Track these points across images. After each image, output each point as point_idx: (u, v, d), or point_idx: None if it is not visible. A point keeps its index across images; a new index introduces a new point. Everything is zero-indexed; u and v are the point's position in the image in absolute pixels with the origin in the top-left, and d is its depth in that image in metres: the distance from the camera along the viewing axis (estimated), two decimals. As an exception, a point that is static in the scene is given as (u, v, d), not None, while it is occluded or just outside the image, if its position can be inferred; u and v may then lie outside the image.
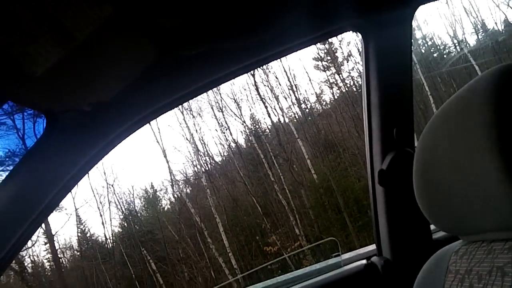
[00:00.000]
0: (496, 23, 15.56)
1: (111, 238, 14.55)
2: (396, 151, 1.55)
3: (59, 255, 14.03)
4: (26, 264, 13.39)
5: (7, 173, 1.02)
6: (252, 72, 13.89)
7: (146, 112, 1.17)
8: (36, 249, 13.85)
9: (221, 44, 1.16)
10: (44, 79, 0.91)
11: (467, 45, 14.30)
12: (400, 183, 1.55)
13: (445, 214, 0.84)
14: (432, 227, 1.70)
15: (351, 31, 1.48)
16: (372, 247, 1.84)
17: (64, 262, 14.79)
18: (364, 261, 1.75)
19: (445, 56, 14.64)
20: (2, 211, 1.00)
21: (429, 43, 14.98)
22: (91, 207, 16.19)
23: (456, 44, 14.60)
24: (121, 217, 14.87)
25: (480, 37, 14.33)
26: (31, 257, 13.92)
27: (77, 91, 1.01)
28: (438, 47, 14.63)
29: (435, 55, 15.03)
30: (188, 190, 14.91)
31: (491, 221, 0.73)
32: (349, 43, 15.98)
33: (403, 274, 1.60)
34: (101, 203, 14.20)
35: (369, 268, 1.70)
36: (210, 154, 14.80)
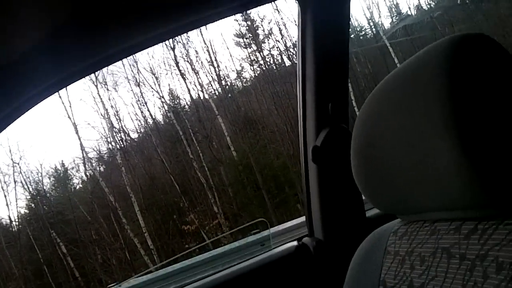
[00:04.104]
0: (409, 7, 16.39)
1: (16, 220, 13.73)
2: (331, 127, 1.53)
3: (-44, 240, 13.08)
4: None
5: None
6: (172, 46, 13.59)
7: (56, 78, 1.06)
8: None
9: (140, 4, 1.04)
10: None
11: (383, 27, 14.96)
12: (334, 160, 1.53)
13: (385, 193, 0.81)
14: (365, 204, 1.68)
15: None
16: (298, 220, 1.85)
17: (-38, 248, 13.80)
18: (295, 243, 1.69)
19: (361, 37, 15.16)
20: None
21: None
22: (-6, 188, 15.13)
23: (372, 26, 15.18)
24: (28, 197, 14.08)
25: (394, 20, 15.01)
26: None
27: None
28: (355, 28, 15.11)
29: (352, 36, 15.51)
30: (101, 168, 14.36)
31: (436, 200, 0.71)
32: (270, 21, 16.11)
33: (336, 255, 1.57)
34: (5, 183, 13.30)
35: (300, 249, 1.65)
36: (126, 131, 14.29)
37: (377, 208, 0.88)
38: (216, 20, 1.27)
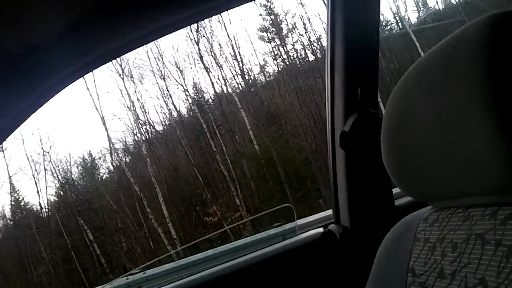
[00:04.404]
0: (437, 1, 16.03)
1: (46, 207, 14.08)
2: (360, 112, 1.46)
3: (-10, 224, 13.52)
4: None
5: None
6: (196, 39, 13.69)
7: (84, 61, 1.04)
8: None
9: None
10: None
11: (409, 21, 14.72)
12: (363, 146, 1.48)
13: (416, 179, 0.78)
14: (395, 192, 1.63)
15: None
16: (326, 213, 1.75)
17: (-4, 231, 14.24)
18: (320, 229, 1.65)
19: (386, 31, 14.96)
20: None
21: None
22: (25, 175, 15.59)
23: (398, 21, 14.96)
24: (57, 185, 14.45)
25: (420, 14, 14.76)
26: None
27: (5, 30, 0.88)
28: (381, 22, 14.91)
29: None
30: (127, 159, 14.62)
31: (471, 185, 0.67)
32: (294, 15, 16.04)
33: (363, 242, 1.53)
34: (36, 170, 13.64)
35: (326, 236, 1.60)
36: (151, 123, 14.46)
37: (408, 195, 0.85)
38: (237, 6, 1.21)
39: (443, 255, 0.72)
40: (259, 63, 16.56)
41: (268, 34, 14.90)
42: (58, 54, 0.98)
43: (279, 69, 15.37)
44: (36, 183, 13.64)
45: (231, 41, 14.74)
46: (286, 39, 14.98)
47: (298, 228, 1.81)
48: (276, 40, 14.89)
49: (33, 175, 13.63)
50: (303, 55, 15.08)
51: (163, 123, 15.07)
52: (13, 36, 0.90)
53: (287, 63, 15.03)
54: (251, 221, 11.85)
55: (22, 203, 14.57)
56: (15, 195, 14.28)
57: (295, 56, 15.12)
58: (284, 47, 14.95)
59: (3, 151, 13.00)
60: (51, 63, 0.99)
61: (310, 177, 13.03)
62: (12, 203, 14.24)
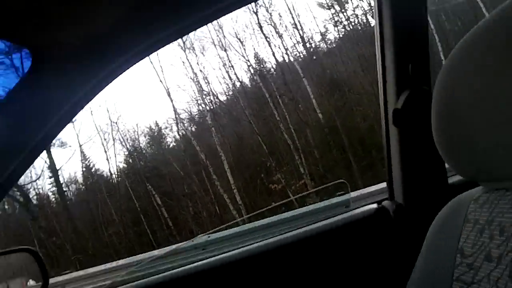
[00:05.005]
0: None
1: (116, 173, 15.00)
2: (412, 89, 1.43)
3: (64, 188, 14.51)
4: (31, 196, 14.00)
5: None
6: (255, 10, 13.69)
7: (142, 45, 1.05)
8: (41, 183, 14.09)
9: None
10: (24, 11, 0.84)
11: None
12: (416, 123, 1.45)
13: (467, 158, 0.74)
14: (448, 170, 1.59)
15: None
16: (378, 186, 1.75)
17: (69, 195, 15.18)
18: (375, 205, 1.64)
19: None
20: None
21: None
22: (95, 144, 16.35)
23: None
24: (126, 153, 15.24)
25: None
26: (36, 190, 14.37)
27: (64, 22, 0.91)
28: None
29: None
30: (193, 129, 15.05)
31: None
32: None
33: (416, 219, 1.50)
34: (105, 139, 14.52)
35: (380, 212, 1.60)
36: (215, 93, 14.76)
37: (458, 174, 0.81)
38: None
39: (491, 238, 0.70)
40: (320, 31, 16.29)
41: (327, 0, 14.61)
42: (119, 39, 1.01)
43: (341, 36, 15.15)
44: (105, 151, 14.59)
45: (290, 9, 14.56)
46: (346, 5, 14.66)
47: (360, 198, 1.84)
48: (336, 6, 14.61)
49: (102, 144, 14.54)
50: (365, 21, 14.71)
51: (227, 93, 15.34)
52: (70, 27, 0.93)
53: (348, 29, 14.80)
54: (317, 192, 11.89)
55: (93, 170, 15.41)
56: (86, 162, 15.12)
57: (356, 22, 14.83)
58: (345, 13, 14.68)
59: (72, 122, 13.65)
60: (112, 49, 1.02)
61: (375, 146, 12.75)
62: (84, 169, 15.15)
